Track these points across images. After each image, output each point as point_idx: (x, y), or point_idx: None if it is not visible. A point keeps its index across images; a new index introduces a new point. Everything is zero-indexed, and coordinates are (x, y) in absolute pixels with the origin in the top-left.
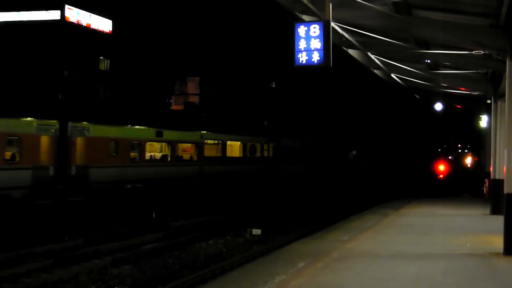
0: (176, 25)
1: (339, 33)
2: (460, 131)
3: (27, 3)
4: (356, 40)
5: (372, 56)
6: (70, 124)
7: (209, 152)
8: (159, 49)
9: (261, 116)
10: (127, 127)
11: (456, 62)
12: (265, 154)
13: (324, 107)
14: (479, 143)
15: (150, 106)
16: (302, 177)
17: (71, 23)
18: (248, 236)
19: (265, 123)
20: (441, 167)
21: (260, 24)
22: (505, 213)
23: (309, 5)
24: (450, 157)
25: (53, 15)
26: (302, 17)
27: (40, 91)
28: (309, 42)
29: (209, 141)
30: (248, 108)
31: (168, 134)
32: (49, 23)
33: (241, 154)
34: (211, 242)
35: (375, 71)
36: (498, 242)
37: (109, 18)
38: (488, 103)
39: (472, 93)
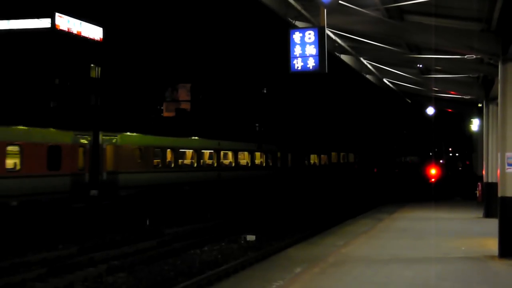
0: (167, 32)
1: (332, 38)
2: (451, 135)
3: (17, 11)
4: (348, 46)
5: (365, 61)
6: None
7: (334, 159)
8: (150, 56)
9: (253, 121)
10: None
11: (448, 66)
12: (351, 160)
13: (316, 112)
14: (470, 146)
15: (141, 113)
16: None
17: (62, 31)
18: (242, 242)
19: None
20: (433, 171)
21: (251, 30)
22: (499, 216)
23: (302, 11)
24: (441, 161)
25: (44, 23)
26: (295, 23)
27: (31, 99)
28: (304, 48)
29: (333, 153)
30: (240, 114)
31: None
32: (39, 31)
33: (342, 161)
34: (206, 248)
35: (367, 76)
36: (492, 245)
37: (100, 26)
38: (480, 106)
39: (464, 97)
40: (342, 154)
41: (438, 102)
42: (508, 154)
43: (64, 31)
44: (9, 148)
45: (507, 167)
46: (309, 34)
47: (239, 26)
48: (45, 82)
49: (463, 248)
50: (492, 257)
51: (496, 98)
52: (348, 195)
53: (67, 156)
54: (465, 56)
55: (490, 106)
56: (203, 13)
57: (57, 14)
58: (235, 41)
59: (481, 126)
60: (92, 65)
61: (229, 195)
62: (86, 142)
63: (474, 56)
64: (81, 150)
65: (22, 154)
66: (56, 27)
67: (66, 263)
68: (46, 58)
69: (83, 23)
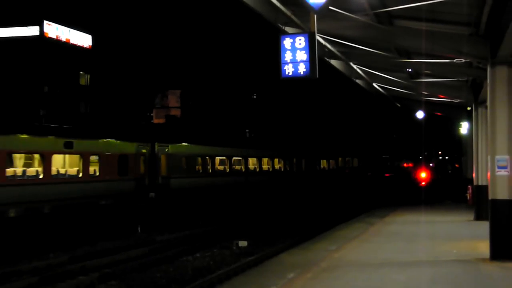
0: (156, 38)
1: (321, 44)
2: (441, 138)
3: (5, 19)
4: (338, 51)
5: (354, 66)
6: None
7: (340, 164)
8: (139, 62)
9: (243, 127)
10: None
11: (437, 70)
12: (354, 164)
13: (306, 117)
14: (460, 150)
15: (131, 120)
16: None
17: (50, 39)
18: (234, 248)
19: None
20: (423, 175)
21: (241, 36)
22: (490, 218)
23: (292, 17)
24: (431, 164)
25: (32, 31)
26: (285, 29)
27: (20, 107)
28: (295, 54)
29: (340, 158)
30: (230, 119)
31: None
32: (28, 39)
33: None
34: (198, 255)
35: (357, 80)
36: (484, 248)
37: (89, 33)
38: (469, 110)
39: (453, 100)
40: (347, 159)
41: (427, 106)
42: (497, 157)
43: (53, 38)
44: (92, 157)
45: (497, 170)
46: (300, 39)
47: (228, 32)
48: (34, 90)
49: (454, 251)
50: (483, 260)
51: (485, 101)
52: (346, 198)
53: (132, 163)
54: (454, 60)
55: (479, 110)
56: (193, 19)
57: (45, 22)
58: (224, 47)
59: (470, 129)
60: (81, 72)
61: (255, 196)
62: (145, 151)
63: (463, 60)
64: (142, 158)
65: (100, 162)
66: (45, 34)
67: (58, 271)
68: (35, 66)
69: (72, 30)
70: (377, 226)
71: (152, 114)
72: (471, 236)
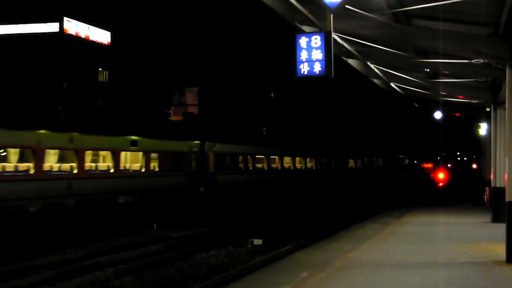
0: (174, 36)
1: (338, 43)
2: (459, 139)
3: (26, 16)
4: (355, 50)
5: (372, 66)
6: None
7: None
8: (157, 60)
9: (260, 125)
10: None
11: (456, 70)
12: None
13: (323, 116)
14: (478, 151)
15: (149, 117)
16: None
17: (70, 35)
18: (249, 246)
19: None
20: (441, 175)
21: (258, 34)
22: (507, 221)
23: (309, 15)
24: (449, 165)
25: (52, 27)
26: (302, 28)
27: (39, 103)
28: (310, 53)
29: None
30: (247, 118)
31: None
32: (48, 35)
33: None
34: (213, 252)
35: (375, 80)
36: (500, 250)
37: (108, 30)
38: (488, 111)
39: (472, 101)
40: (373, 158)
41: (446, 106)
42: None
43: (72, 35)
44: (152, 155)
45: None
46: (316, 38)
47: (246, 31)
48: (53, 86)
49: (470, 253)
50: (499, 263)
51: (504, 102)
52: (365, 197)
53: (185, 160)
54: (473, 61)
55: (498, 111)
56: (211, 17)
57: (65, 19)
58: (242, 45)
59: (489, 130)
60: (100, 69)
61: (290, 191)
62: (196, 149)
63: (482, 61)
64: (193, 156)
65: (159, 159)
66: (64, 31)
67: (73, 266)
68: (54, 62)
69: (91, 27)
70: (393, 227)
71: (169, 111)
72: (487, 238)
